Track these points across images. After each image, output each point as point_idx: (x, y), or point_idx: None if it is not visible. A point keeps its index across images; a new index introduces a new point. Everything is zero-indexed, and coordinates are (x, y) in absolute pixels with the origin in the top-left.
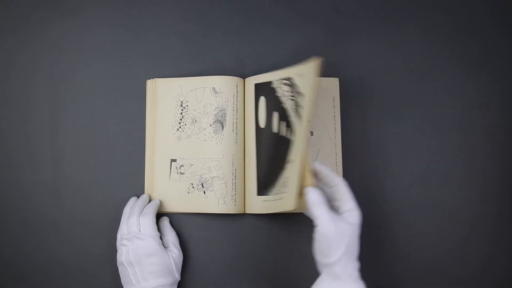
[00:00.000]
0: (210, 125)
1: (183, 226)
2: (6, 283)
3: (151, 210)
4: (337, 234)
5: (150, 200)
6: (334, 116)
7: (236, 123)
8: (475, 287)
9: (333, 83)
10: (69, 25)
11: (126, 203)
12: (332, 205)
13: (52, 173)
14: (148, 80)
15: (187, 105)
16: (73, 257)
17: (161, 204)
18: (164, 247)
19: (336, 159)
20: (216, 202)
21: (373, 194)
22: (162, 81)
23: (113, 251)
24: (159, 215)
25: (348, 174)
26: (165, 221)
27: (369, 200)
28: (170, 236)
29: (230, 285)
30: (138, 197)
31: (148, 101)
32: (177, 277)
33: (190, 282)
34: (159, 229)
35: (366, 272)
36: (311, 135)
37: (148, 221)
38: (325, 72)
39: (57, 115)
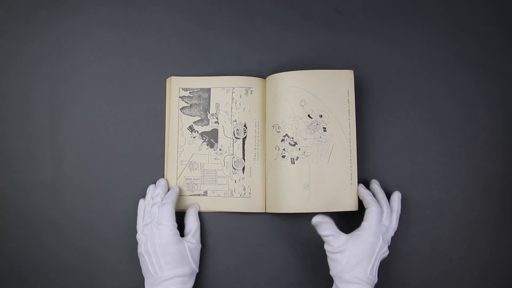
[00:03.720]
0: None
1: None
2: (6, 283)
3: (170, 200)
4: (341, 253)
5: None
6: (349, 110)
7: (258, 124)
8: (475, 287)
9: (347, 76)
10: (69, 25)
11: (126, 203)
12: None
13: (52, 173)
14: (168, 78)
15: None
16: (73, 257)
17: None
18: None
19: (351, 156)
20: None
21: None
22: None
23: (113, 250)
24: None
25: None
26: (191, 209)
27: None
28: (191, 225)
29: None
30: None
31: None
32: (195, 267)
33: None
34: (185, 216)
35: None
36: (324, 131)
37: (166, 210)
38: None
39: (57, 115)
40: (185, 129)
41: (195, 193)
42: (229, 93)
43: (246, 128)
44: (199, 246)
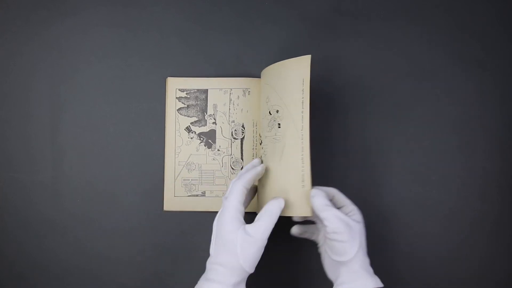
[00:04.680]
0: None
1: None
2: (6, 283)
3: (245, 177)
4: (350, 230)
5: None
6: (303, 102)
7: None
8: (475, 287)
9: (302, 63)
10: (69, 25)
11: (125, 203)
12: None
13: (52, 173)
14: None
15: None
16: (73, 257)
17: (170, 200)
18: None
19: (302, 155)
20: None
21: (373, 194)
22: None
23: (113, 250)
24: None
25: (348, 175)
26: (274, 203)
27: (369, 200)
28: (259, 216)
29: None
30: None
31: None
32: (242, 264)
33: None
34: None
35: None
36: (279, 127)
37: (236, 186)
38: (325, 71)
39: (57, 115)
40: (182, 130)
41: (193, 193)
42: (227, 94)
43: (244, 128)
44: (258, 243)
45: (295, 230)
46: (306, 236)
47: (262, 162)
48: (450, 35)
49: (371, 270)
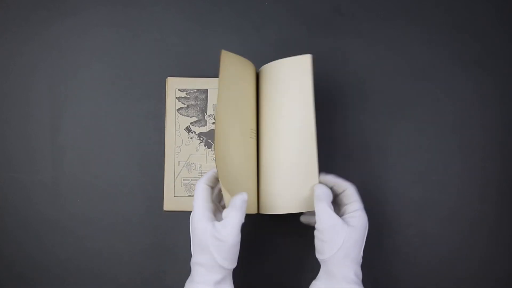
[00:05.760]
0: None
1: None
2: (6, 282)
3: (207, 174)
4: (332, 231)
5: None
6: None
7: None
8: (475, 287)
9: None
10: (69, 25)
11: (125, 203)
12: (341, 209)
13: (52, 173)
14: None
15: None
16: (73, 257)
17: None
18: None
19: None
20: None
21: (373, 194)
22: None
23: (113, 250)
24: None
25: (347, 175)
26: (238, 197)
27: (369, 200)
28: (225, 213)
29: None
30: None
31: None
32: (219, 260)
33: None
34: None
35: (366, 272)
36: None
37: (198, 184)
38: (324, 71)
39: (57, 115)
40: (182, 130)
41: (193, 193)
42: None
43: None
44: (230, 240)
45: (302, 218)
46: (313, 225)
47: None
48: (450, 35)
49: (352, 277)
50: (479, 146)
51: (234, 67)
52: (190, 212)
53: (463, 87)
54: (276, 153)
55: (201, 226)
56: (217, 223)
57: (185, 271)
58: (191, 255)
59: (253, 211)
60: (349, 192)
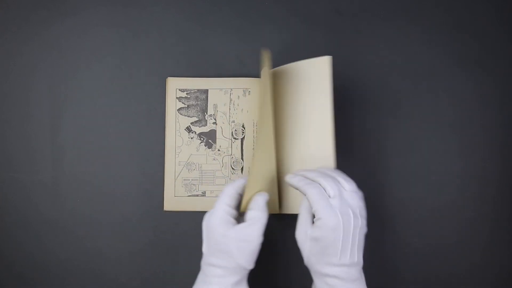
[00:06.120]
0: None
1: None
2: (6, 282)
3: (239, 180)
4: (300, 242)
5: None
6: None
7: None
8: (475, 286)
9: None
10: (69, 25)
11: (125, 203)
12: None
13: (52, 173)
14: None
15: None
16: (73, 257)
17: (170, 200)
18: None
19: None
20: None
21: (373, 194)
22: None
23: (113, 250)
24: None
25: (347, 174)
26: (258, 196)
27: (369, 200)
28: (250, 214)
29: None
30: None
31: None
32: (241, 263)
33: None
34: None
35: (365, 272)
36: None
37: (227, 188)
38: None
39: (57, 115)
40: (182, 130)
41: (193, 193)
42: (227, 94)
43: (244, 128)
44: (256, 241)
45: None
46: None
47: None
48: (450, 35)
49: (334, 271)
50: (479, 146)
51: (268, 81)
52: (190, 212)
53: (463, 87)
54: (296, 153)
55: (222, 230)
56: (241, 225)
57: (185, 271)
58: (191, 255)
59: (275, 211)
60: (309, 198)
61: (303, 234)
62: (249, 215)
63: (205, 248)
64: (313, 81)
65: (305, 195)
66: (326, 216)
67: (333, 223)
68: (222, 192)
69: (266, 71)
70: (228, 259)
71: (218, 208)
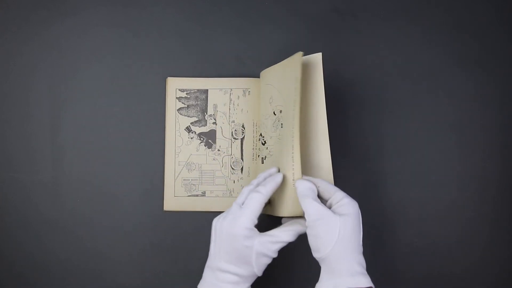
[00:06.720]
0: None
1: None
2: (6, 282)
3: (267, 189)
4: (323, 224)
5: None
6: (295, 100)
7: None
8: (475, 286)
9: (297, 61)
10: (69, 25)
11: (125, 203)
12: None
13: (52, 173)
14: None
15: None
16: (73, 257)
17: (170, 200)
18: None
19: (293, 153)
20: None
21: (373, 194)
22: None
23: (113, 250)
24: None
25: (348, 175)
26: (293, 221)
27: (369, 200)
28: (279, 236)
29: None
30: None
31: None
32: (256, 271)
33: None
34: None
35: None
36: (281, 127)
37: (256, 198)
38: (324, 71)
39: (57, 115)
40: (182, 130)
41: (193, 193)
42: (227, 95)
43: (244, 128)
44: (274, 256)
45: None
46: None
47: (279, 170)
48: (450, 35)
49: (356, 268)
50: (479, 146)
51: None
52: (190, 212)
53: (463, 87)
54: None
55: (246, 242)
56: (266, 239)
57: (185, 271)
58: (191, 255)
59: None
60: (324, 186)
61: (324, 211)
62: (278, 231)
63: (216, 252)
64: (306, 79)
65: (317, 187)
66: (347, 197)
67: (357, 206)
68: (252, 198)
69: (299, 71)
70: (247, 268)
71: (247, 217)
